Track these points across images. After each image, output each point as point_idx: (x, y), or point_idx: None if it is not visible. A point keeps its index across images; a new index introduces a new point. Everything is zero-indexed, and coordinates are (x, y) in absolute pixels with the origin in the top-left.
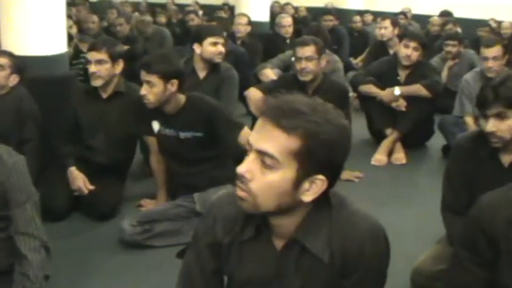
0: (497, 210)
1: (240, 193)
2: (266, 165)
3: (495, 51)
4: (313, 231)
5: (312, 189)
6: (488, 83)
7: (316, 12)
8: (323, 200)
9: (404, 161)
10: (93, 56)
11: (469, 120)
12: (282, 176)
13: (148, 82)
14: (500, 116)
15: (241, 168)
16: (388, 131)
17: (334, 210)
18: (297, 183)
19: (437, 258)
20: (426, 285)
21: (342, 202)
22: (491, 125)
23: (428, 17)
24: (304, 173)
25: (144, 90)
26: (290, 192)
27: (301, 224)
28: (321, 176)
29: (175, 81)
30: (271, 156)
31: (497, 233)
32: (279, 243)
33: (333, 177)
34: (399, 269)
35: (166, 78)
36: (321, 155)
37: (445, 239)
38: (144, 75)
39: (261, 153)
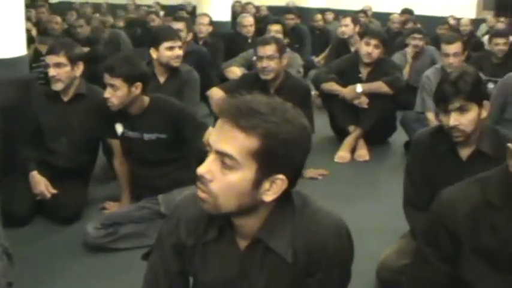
0: (457, 205)
1: (201, 194)
2: (226, 165)
3: (456, 47)
4: (277, 230)
5: (273, 189)
6: (446, 78)
7: (278, 11)
8: (285, 199)
9: (367, 158)
10: (51, 59)
11: (431, 116)
12: (242, 176)
13: (112, 85)
14: (461, 110)
15: (201, 169)
16: (351, 128)
17: (297, 209)
18: (257, 183)
19: (402, 253)
20: (391, 279)
21: (305, 201)
22: (453, 119)
23: (389, 14)
24: (264, 172)
25: (108, 94)
26: (250, 192)
27: (264, 224)
28: (281, 176)
29: (139, 84)
30: (230, 157)
31: (458, 227)
32: (242, 244)
33: (293, 176)
34: (364, 265)
35: (130, 81)
36: (280, 155)
37: (409, 233)
38: (107, 79)
39: (221, 154)
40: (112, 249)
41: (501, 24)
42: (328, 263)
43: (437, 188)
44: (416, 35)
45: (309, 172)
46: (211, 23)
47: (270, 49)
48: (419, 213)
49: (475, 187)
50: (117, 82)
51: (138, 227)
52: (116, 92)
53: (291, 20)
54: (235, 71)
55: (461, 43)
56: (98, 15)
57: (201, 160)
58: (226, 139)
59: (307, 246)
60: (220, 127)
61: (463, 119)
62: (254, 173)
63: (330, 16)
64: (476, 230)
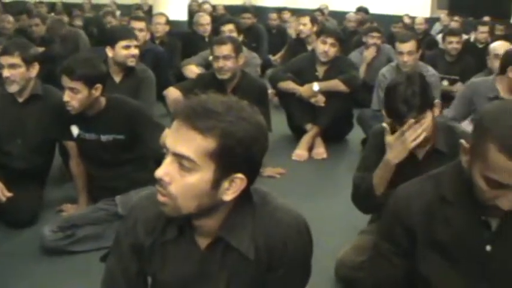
0: (412, 201)
1: (161, 197)
2: (184, 167)
3: (410, 46)
4: (238, 228)
5: (232, 188)
6: (397, 96)
7: (234, 11)
8: (245, 196)
9: (324, 156)
10: (5, 60)
11: None
12: (201, 177)
13: (72, 89)
14: (416, 122)
15: (159, 172)
16: (308, 126)
17: (257, 206)
18: (217, 184)
19: (360, 249)
20: (350, 276)
21: (265, 198)
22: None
23: (345, 13)
24: (223, 172)
25: (67, 97)
26: (210, 193)
27: (224, 222)
28: (240, 175)
29: (99, 86)
30: (188, 159)
31: (414, 222)
32: (203, 243)
33: (252, 174)
34: (323, 262)
35: (90, 83)
36: (238, 154)
37: (367, 229)
38: (67, 82)
39: (178, 156)
40: (70, 252)
41: (455, 23)
42: (289, 259)
43: (393, 185)
44: (374, 34)
45: (266, 171)
46: (168, 22)
47: (226, 49)
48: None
49: (430, 183)
50: (77, 85)
51: (95, 228)
52: (76, 95)
53: (248, 19)
54: (193, 70)
55: (416, 41)
56: (52, 14)
57: (158, 161)
58: (183, 141)
59: (268, 243)
60: (176, 129)
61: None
62: (213, 173)
63: (286, 15)
64: (431, 224)
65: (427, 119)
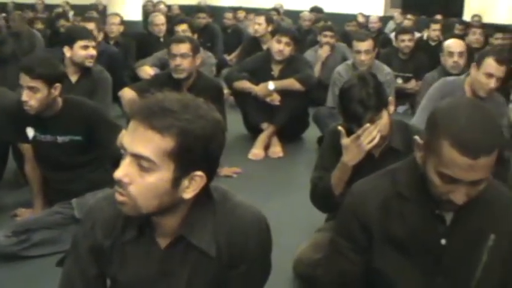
0: (368, 197)
1: (120, 198)
2: (143, 167)
3: (367, 44)
4: (198, 226)
5: (192, 186)
6: (353, 97)
7: (190, 10)
8: (205, 194)
9: (281, 154)
10: None
11: None
12: (160, 176)
13: (31, 88)
14: (373, 121)
15: (118, 173)
16: (264, 125)
17: (218, 203)
18: (176, 182)
19: (317, 247)
20: (308, 273)
21: (225, 195)
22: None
23: (300, 12)
24: (182, 171)
25: (26, 96)
26: (170, 192)
27: (184, 221)
28: (199, 172)
29: (58, 85)
30: (147, 159)
31: (370, 219)
32: (163, 242)
33: (211, 171)
34: (281, 260)
35: (50, 82)
36: (197, 152)
37: (324, 227)
38: (26, 81)
39: (137, 157)
40: (25, 257)
41: (407, 22)
42: (250, 256)
43: (350, 182)
44: (327, 33)
45: (223, 170)
46: (123, 22)
47: (184, 47)
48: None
49: (385, 179)
50: (38, 84)
51: (51, 233)
52: (35, 95)
53: (203, 18)
54: (147, 70)
55: (372, 40)
56: (4, 14)
57: (115, 162)
58: (141, 141)
59: (229, 240)
60: (133, 129)
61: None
62: (172, 172)
63: (241, 14)
64: (387, 220)
65: (383, 119)
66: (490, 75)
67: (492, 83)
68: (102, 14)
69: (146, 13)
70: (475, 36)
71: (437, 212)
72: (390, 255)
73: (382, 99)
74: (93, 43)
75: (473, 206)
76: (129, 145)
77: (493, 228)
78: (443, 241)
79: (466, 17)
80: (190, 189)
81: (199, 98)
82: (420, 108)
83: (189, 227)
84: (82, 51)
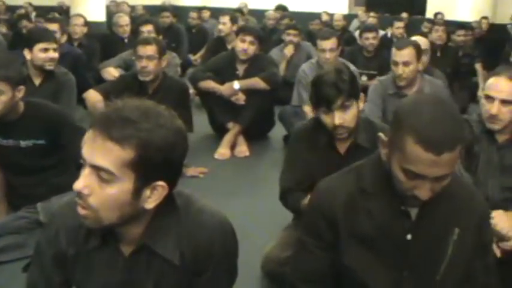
0: (334, 194)
1: (82, 211)
2: (103, 179)
3: (331, 43)
4: (162, 234)
5: (154, 196)
6: (324, 80)
7: (154, 10)
8: (168, 201)
9: (247, 154)
10: None
11: (307, 109)
12: (121, 188)
13: None
14: (343, 108)
15: (77, 185)
16: (230, 125)
17: (181, 210)
18: (138, 193)
19: (285, 245)
20: (276, 271)
21: (188, 200)
22: (338, 118)
23: (264, 11)
24: (143, 181)
25: None
26: (131, 203)
27: (148, 229)
28: (161, 182)
29: (22, 88)
30: (106, 171)
31: (336, 215)
32: (127, 250)
33: (173, 180)
34: (249, 259)
35: (14, 84)
36: (157, 162)
37: (291, 225)
38: None
39: (96, 168)
40: None
41: (372, 19)
42: (215, 261)
43: (317, 180)
44: (291, 31)
45: (189, 170)
46: (86, 23)
47: (150, 49)
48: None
49: (350, 176)
50: (2, 86)
51: (16, 238)
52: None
53: (167, 18)
54: (111, 72)
55: (336, 39)
56: None
57: (79, 165)
58: (100, 152)
59: (194, 247)
60: (92, 139)
61: (346, 117)
62: (133, 183)
63: (206, 14)
64: (353, 216)
65: (353, 109)
66: (395, 63)
67: (400, 69)
68: (65, 15)
69: (110, 14)
70: (438, 34)
71: (402, 207)
72: (357, 252)
73: (355, 88)
74: (53, 45)
75: (437, 201)
76: (88, 156)
77: (457, 222)
78: (409, 236)
79: (429, 14)
80: (152, 199)
81: (165, 100)
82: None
83: (153, 235)
84: (42, 54)
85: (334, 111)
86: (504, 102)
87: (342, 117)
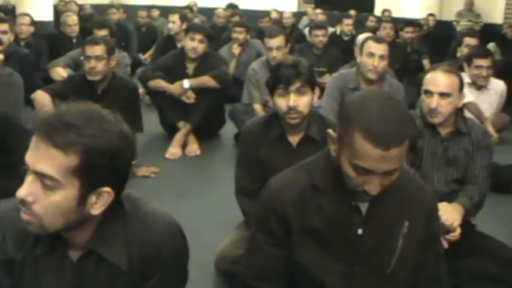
0: (285, 190)
1: (25, 216)
2: (47, 186)
3: (278, 41)
4: (109, 239)
5: (100, 202)
6: (284, 63)
7: (102, 9)
8: (115, 206)
9: (198, 152)
10: None
11: (257, 107)
12: (65, 195)
13: None
14: (300, 92)
15: (21, 192)
16: (180, 124)
17: (128, 214)
18: (83, 199)
19: (238, 243)
20: (230, 269)
21: (135, 204)
22: (293, 100)
23: (214, 9)
24: (89, 188)
25: None
26: (76, 209)
27: (95, 234)
28: (107, 188)
29: None
30: (50, 178)
31: (287, 212)
32: (75, 255)
33: (119, 185)
34: (203, 258)
35: None
36: (103, 168)
37: (244, 223)
38: None
39: (40, 175)
40: None
41: (321, 17)
42: (164, 265)
43: (270, 176)
44: (239, 29)
45: (140, 170)
46: (33, 22)
47: (98, 49)
48: (253, 200)
49: (301, 172)
50: None
51: None
52: None
53: (113, 14)
54: (60, 72)
55: (284, 36)
56: None
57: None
58: (43, 159)
59: (142, 252)
60: (35, 145)
61: (301, 101)
62: (78, 189)
63: (155, 13)
64: (305, 212)
65: (308, 96)
66: (371, 54)
67: (376, 61)
68: (11, 14)
69: (58, 13)
70: (386, 31)
71: (353, 203)
72: (309, 247)
73: (312, 76)
74: None
75: (387, 195)
76: (31, 163)
77: (407, 216)
78: (360, 231)
79: (377, 11)
80: (98, 205)
81: (115, 100)
82: (323, 104)
83: (100, 240)
84: None
85: (291, 94)
86: (442, 95)
87: (297, 101)
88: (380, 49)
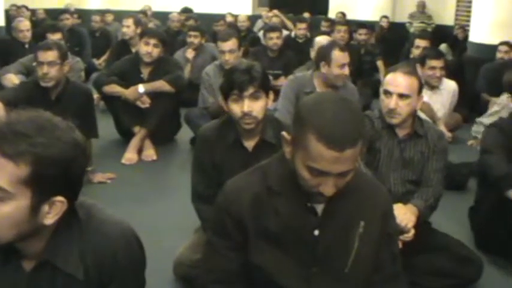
0: (240, 193)
1: None
2: None
3: (231, 44)
4: (63, 248)
5: (53, 212)
6: (237, 68)
7: (55, 14)
8: (70, 214)
9: (154, 157)
10: None
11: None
12: (16, 205)
13: None
14: (254, 97)
15: None
16: (136, 129)
17: (83, 222)
18: (35, 209)
19: (196, 247)
20: (189, 274)
21: (90, 212)
22: (247, 106)
23: (169, 13)
24: (41, 198)
25: None
26: (29, 220)
27: (49, 244)
28: (59, 197)
29: None
30: (0, 189)
31: (243, 216)
32: (29, 266)
33: (73, 194)
34: (162, 263)
35: None
36: (55, 177)
37: (201, 228)
38: None
39: None
40: None
41: (275, 20)
42: (120, 272)
43: (226, 181)
44: (193, 33)
45: (96, 177)
46: None
47: (51, 55)
48: (209, 206)
49: (256, 175)
50: None
51: None
52: None
53: (67, 20)
54: (12, 79)
55: (236, 39)
56: None
57: None
58: None
59: (97, 260)
60: None
61: (255, 106)
62: (29, 200)
63: (109, 17)
64: (261, 215)
65: (262, 100)
66: (342, 66)
67: (347, 71)
68: None
69: (10, 18)
70: (340, 34)
71: (308, 204)
72: (266, 250)
73: (266, 81)
74: None
75: (342, 196)
76: None
77: (362, 215)
78: (316, 232)
79: (331, 14)
80: (51, 215)
81: (69, 106)
82: (279, 107)
83: (54, 250)
84: None
85: (245, 99)
86: (401, 96)
87: (251, 106)
88: (346, 58)
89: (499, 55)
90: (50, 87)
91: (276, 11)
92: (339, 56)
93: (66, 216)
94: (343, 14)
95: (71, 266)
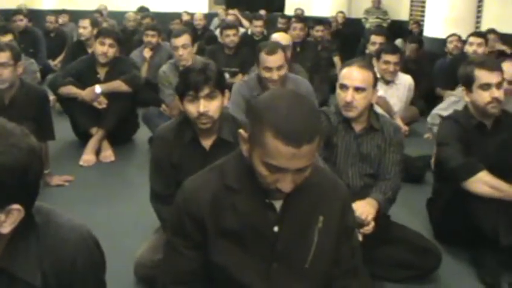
0: (199, 192)
1: None
2: None
3: (183, 39)
4: (20, 256)
5: (9, 220)
6: (192, 68)
7: (8, 14)
8: (27, 221)
9: (112, 158)
10: None
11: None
12: None
13: None
14: (209, 97)
15: None
16: (93, 130)
17: (41, 228)
18: None
19: (156, 248)
20: (149, 275)
21: (48, 218)
22: (203, 106)
23: (125, 13)
24: None
25: None
26: None
27: (5, 252)
28: (16, 206)
29: None
30: None
31: (202, 214)
32: None
33: (29, 201)
34: (121, 265)
35: None
36: (10, 185)
37: (161, 228)
38: None
39: None
40: None
41: (231, 17)
42: (80, 278)
43: (184, 179)
44: (150, 32)
45: (54, 179)
46: None
47: (3, 56)
48: (168, 205)
49: (214, 173)
50: None
51: None
52: None
53: (20, 21)
54: None
55: (189, 35)
56: None
57: None
58: None
59: (56, 266)
60: None
61: (211, 106)
62: None
63: (65, 18)
64: (220, 213)
65: (218, 100)
66: (269, 69)
67: (275, 75)
68: None
69: None
70: (296, 31)
71: (267, 200)
72: (226, 248)
73: (222, 80)
74: None
75: (301, 191)
76: None
77: (321, 210)
78: (275, 228)
79: (288, 11)
80: (7, 223)
81: (24, 109)
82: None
83: (11, 258)
84: None
85: (200, 99)
86: (357, 89)
87: (207, 106)
88: (275, 62)
89: (449, 46)
90: (3, 89)
91: (233, 11)
92: (265, 59)
93: (23, 223)
94: (302, 11)
95: (28, 273)
